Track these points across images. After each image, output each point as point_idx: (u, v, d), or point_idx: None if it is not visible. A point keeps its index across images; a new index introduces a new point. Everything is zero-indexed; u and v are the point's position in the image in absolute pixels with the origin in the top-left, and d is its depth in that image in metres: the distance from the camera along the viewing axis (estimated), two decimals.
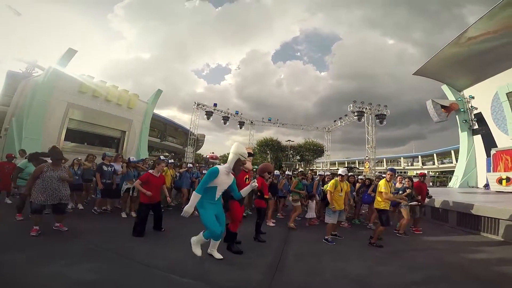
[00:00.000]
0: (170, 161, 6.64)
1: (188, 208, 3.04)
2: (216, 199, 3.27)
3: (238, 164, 3.37)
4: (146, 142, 15.72)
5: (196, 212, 3.46)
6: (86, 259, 3.17)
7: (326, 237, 4.70)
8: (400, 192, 5.75)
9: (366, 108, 20.30)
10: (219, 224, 3.25)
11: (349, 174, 8.24)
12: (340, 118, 23.87)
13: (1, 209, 5.84)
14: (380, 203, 4.69)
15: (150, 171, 4.78)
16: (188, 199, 4.44)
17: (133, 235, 4.26)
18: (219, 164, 4.03)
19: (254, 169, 5.95)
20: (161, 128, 32.22)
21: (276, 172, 7.05)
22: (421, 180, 6.47)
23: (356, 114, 20.36)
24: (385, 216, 4.65)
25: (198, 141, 41.14)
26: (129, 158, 6.83)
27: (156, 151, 36.89)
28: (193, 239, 3.36)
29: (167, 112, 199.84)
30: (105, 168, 6.18)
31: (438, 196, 7.97)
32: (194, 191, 3.17)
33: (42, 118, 9.79)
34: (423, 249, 4.78)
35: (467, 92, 16.99)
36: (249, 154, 3.92)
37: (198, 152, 42.04)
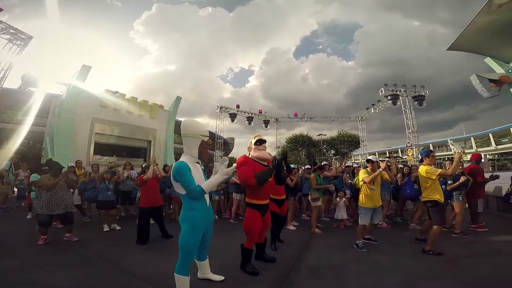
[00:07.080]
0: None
1: (218, 177, 2.29)
2: (208, 203, 2.45)
3: (205, 148, 2.44)
4: (172, 149, 15.82)
5: None
6: (74, 267, 3.10)
7: (357, 242, 3.87)
8: (449, 182, 4.59)
9: (400, 90, 18.23)
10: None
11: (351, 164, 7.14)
12: (373, 105, 21.79)
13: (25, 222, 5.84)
14: (429, 193, 3.62)
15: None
16: None
17: (136, 243, 4.07)
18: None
19: None
20: None
21: (293, 165, 6.22)
22: (475, 163, 5.21)
23: (389, 98, 18.37)
24: (436, 210, 3.59)
25: (228, 145, 41.53)
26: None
27: None
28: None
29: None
30: None
31: (505, 182, 6.38)
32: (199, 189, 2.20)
33: (69, 134, 10.28)
34: (490, 253, 3.66)
35: None
36: (261, 141, 3.09)
37: (231, 155, 42.36)
